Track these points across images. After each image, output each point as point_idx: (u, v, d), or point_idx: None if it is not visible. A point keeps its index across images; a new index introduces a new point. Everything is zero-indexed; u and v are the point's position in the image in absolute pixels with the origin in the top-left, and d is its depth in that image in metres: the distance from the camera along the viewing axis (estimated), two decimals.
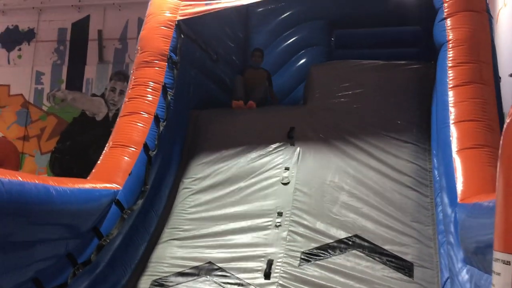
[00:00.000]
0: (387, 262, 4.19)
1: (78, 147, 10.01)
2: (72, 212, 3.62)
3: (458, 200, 3.51)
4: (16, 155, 8.97)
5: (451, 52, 4.62)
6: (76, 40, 10.43)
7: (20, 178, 3.00)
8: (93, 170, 4.55)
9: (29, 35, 10.69)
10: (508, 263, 1.40)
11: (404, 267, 4.16)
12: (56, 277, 3.55)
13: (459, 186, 3.63)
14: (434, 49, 5.09)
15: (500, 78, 4.73)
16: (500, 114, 4.33)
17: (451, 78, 4.49)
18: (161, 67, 5.34)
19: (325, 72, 6.10)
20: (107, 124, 9.85)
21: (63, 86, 10.38)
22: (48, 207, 3.27)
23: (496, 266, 1.49)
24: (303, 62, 7.36)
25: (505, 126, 1.58)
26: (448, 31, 4.74)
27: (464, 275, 3.09)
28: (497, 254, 1.50)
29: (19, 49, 10.70)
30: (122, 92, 9.85)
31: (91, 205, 3.89)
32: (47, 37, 10.58)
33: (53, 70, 10.47)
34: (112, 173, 4.46)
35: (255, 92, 6.37)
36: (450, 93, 4.40)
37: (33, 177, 3.19)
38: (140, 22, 9.21)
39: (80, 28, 10.44)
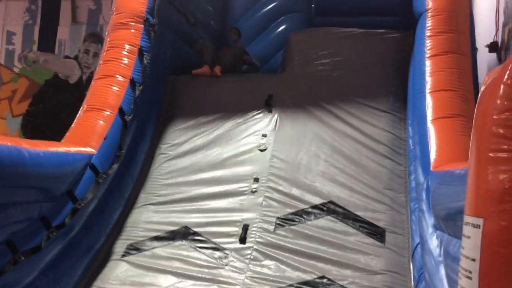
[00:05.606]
0: (360, 228, 4.28)
1: (50, 110, 9.79)
2: (46, 175, 3.56)
3: (431, 168, 3.58)
4: None
5: (430, 21, 4.63)
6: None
7: None
8: (67, 134, 4.47)
9: None
10: (477, 226, 1.44)
11: (376, 233, 4.25)
12: (30, 239, 3.52)
13: (433, 155, 3.70)
14: (414, 18, 5.08)
15: (476, 49, 4.77)
16: (476, 84, 4.39)
17: (428, 47, 4.51)
18: (137, 29, 5.21)
19: (304, 39, 6.06)
20: (81, 87, 9.63)
21: (35, 47, 10.06)
22: (20, 169, 3.20)
23: (466, 230, 1.53)
24: (282, 29, 7.25)
25: (479, 95, 1.60)
26: (428, 0, 4.74)
27: (434, 241, 3.17)
28: (467, 218, 1.54)
29: None
30: (96, 55, 9.60)
31: (65, 169, 3.83)
32: None
33: (25, 30, 10.11)
34: (86, 137, 4.39)
35: (222, 61, 6.26)
36: (427, 63, 4.43)
37: (5, 139, 3.11)
38: None
39: None
